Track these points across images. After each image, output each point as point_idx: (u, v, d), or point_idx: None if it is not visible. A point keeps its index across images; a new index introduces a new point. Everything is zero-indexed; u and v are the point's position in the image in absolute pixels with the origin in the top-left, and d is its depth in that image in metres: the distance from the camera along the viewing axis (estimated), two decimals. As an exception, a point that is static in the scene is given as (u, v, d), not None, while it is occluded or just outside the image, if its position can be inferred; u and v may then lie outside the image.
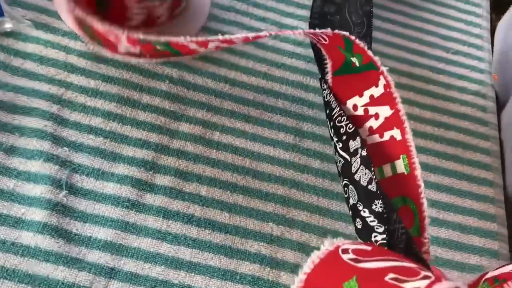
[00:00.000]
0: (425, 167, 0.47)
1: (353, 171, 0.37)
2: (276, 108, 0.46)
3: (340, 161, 0.38)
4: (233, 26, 0.50)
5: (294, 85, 0.48)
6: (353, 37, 0.35)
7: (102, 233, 0.37)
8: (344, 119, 0.38)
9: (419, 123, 0.50)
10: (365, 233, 0.36)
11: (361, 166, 0.36)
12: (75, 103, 0.41)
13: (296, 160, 0.44)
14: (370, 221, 0.35)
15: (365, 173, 0.35)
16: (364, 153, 0.36)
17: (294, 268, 0.39)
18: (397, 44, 0.54)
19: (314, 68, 0.50)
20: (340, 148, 0.38)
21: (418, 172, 0.36)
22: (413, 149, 0.36)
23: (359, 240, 0.37)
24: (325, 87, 0.41)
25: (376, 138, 0.38)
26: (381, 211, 0.34)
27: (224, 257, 0.38)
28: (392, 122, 0.38)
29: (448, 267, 0.42)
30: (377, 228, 0.35)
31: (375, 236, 0.35)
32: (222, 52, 0.48)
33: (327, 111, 0.41)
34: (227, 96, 0.46)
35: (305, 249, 0.40)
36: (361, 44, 0.36)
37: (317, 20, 0.48)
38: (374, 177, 0.35)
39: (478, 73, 0.55)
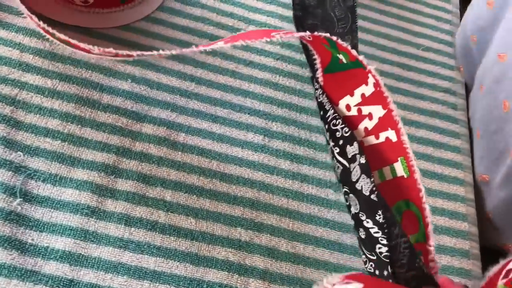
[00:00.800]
0: (396, 166, 0.46)
1: (353, 180, 0.35)
2: (244, 108, 0.45)
3: (338, 167, 0.37)
4: (200, 22, 0.48)
5: (263, 83, 0.47)
6: (334, 38, 0.34)
7: (60, 243, 0.35)
8: (339, 122, 0.37)
9: (390, 122, 0.49)
10: (369, 244, 0.34)
11: (362, 175, 0.34)
12: (30, 104, 0.39)
13: (265, 162, 0.43)
14: (374, 232, 0.34)
15: (367, 182, 0.34)
16: (363, 160, 0.35)
17: (263, 275, 0.38)
18: (367, 40, 0.53)
19: (283, 65, 0.48)
20: (337, 153, 0.37)
21: (417, 175, 0.34)
22: (410, 151, 0.35)
23: (363, 250, 0.35)
24: (317, 86, 0.40)
25: (372, 139, 0.37)
26: (382, 222, 0.33)
27: (190, 265, 0.37)
28: (386, 122, 0.37)
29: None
30: (381, 240, 0.33)
31: (379, 248, 0.33)
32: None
33: (321, 113, 0.39)
34: (193, 95, 0.44)
35: (275, 254, 0.39)
36: (344, 44, 0.34)
37: (299, 11, 0.46)
38: (375, 187, 0.33)
39: (448, 70, 0.55)
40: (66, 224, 0.36)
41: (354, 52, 0.35)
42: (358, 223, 0.35)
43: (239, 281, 0.37)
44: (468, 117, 0.52)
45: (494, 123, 0.46)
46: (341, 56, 0.37)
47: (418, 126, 0.49)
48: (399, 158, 0.35)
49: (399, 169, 0.36)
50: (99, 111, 0.41)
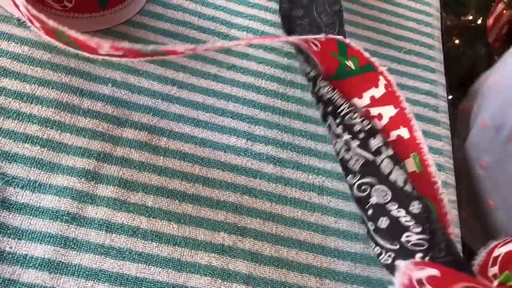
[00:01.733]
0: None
1: (384, 172, 0.35)
2: (226, 111, 0.45)
3: (357, 160, 0.37)
4: (181, 25, 0.48)
5: (245, 87, 0.47)
6: (347, 41, 0.34)
7: (39, 250, 0.34)
8: (357, 115, 0.37)
9: (373, 124, 0.49)
10: (393, 233, 0.34)
11: (396, 166, 0.35)
12: (8, 110, 0.38)
13: (248, 165, 0.43)
14: (406, 221, 0.34)
15: (400, 174, 0.34)
16: (391, 151, 0.35)
17: (246, 279, 0.37)
18: (349, 43, 0.54)
19: (265, 69, 0.48)
20: (357, 145, 0.37)
21: (432, 168, 0.35)
22: (424, 145, 0.36)
23: (372, 239, 0.35)
24: (324, 84, 0.39)
25: None
26: (418, 212, 0.33)
27: (173, 271, 0.36)
28: (398, 121, 0.37)
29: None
30: (413, 228, 0.34)
31: (407, 236, 0.34)
32: (169, 53, 0.46)
33: (329, 109, 0.39)
34: (174, 99, 0.43)
35: (258, 259, 0.39)
36: (356, 47, 0.34)
37: (287, 24, 0.46)
38: (408, 177, 0.34)
39: (430, 72, 0.55)
40: (45, 231, 0.35)
41: (366, 54, 0.35)
42: (381, 213, 0.35)
43: (222, 286, 0.37)
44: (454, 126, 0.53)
45: None
46: (349, 63, 0.37)
47: (400, 129, 0.50)
48: (411, 154, 0.36)
49: (410, 164, 0.36)
50: (79, 116, 0.40)
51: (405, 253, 0.34)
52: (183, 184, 0.40)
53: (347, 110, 0.38)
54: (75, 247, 0.35)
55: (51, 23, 0.32)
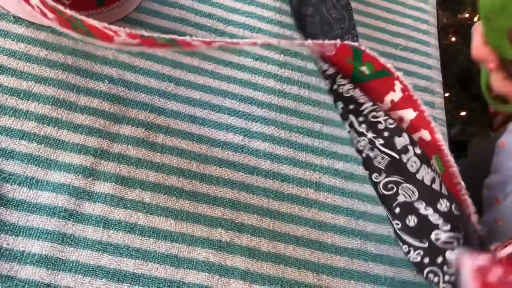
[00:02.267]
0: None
1: (411, 170, 0.36)
2: (223, 108, 0.45)
3: (382, 158, 0.37)
4: (178, 22, 0.48)
5: (242, 83, 0.47)
6: (362, 47, 0.34)
7: (37, 247, 0.34)
8: (381, 114, 0.37)
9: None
10: (422, 231, 0.35)
11: (423, 165, 0.35)
12: (5, 107, 0.38)
13: (245, 162, 0.43)
14: (435, 220, 0.34)
15: (428, 172, 0.35)
16: (418, 150, 0.35)
17: (244, 275, 0.38)
18: (346, 40, 0.54)
19: (262, 66, 0.48)
20: (381, 144, 0.37)
21: (455, 169, 0.35)
22: (445, 147, 0.36)
23: (399, 237, 0.35)
24: (344, 82, 0.39)
25: None
26: (446, 210, 0.34)
27: (170, 267, 0.36)
28: (419, 124, 0.37)
29: (400, 266, 0.42)
30: (442, 226, 0.34)
31: (437, 234, 0.34)
32: (166, 49, 0.46)
33: (350, 107, 0.38)
34: (171, 96, 0.43)
35: (256, 255, 0.39)
36: (371, 53, 0.34)
37: (298, 22, 0.46)
38: (437, 175, 0.34)
39: (426, 69, 0.55)
40: (42, 228, 0.35)
41: (381, 60, 0.35)
42: (408, 211, 0.35)
43: (220, 282, 0.37)
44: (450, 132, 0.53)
45: None
46: (363, 68, 0.37)
47: (397, 125, 0.50)
48: (433, 156, 0.36)
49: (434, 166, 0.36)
50: (76, 113, 0.40)
51: (435, 251, 0.34)
52: (180, 180, 0.40)
53: (371, 108, 0.38)
54: (72, 243, 0.35)
55: (69, 12, 0.32)
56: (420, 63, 0.55)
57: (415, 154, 0.36)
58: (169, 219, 0.38)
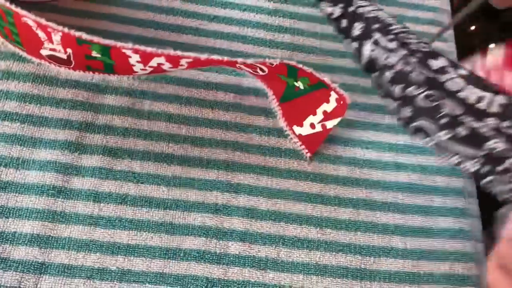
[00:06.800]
0: (379, 109, 0.43)
1: (452, 89, 0.34)
2: (213, 66, 0.42)
3: (421, 72, 0.35)
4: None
5: (230, 37, 0.44)
6: (299, 65, 0.35)
7: (28, 227, 0.34)
8: (413, 37, 0.36)
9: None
10: (474, 140, 0.33)
11: (469, 85, 0.34)
12: (-16, 89, 0.38)
13: (238, 120, 0.41)
14: (484, 132, 0.33)
15: (474, 92, 0.34)
16: (463, 71, 0.35)
17: (243, 236, 0.36)
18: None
19: (250, 16, 0.46)
20: (416, 62, 0.36)
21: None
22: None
23: (447, 148, 0.34)
24: (365, 4, 0.38)
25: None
26: (495, 126, 0.33)
27: (165, 235, 0.35)
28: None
29: (411, 212, 0.40)
30: (495, 137, 0.33)
31: (490, 144, 0.33)
32: (147, 11, 0.44)
33: (375, 26, 0.36)
34: (155, 59, 0.42)
35: (254, 214, 0.37)
36: (307, 69, 0.35)
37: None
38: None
39: (432, -1, 0.51)
40: (32, 207, 0.35)
41: (317, 74, 0.36)
42: (458, 123, 0.34)
43: (218, 246, 0.36)
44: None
45: None
46: (298, 84, 0.38)
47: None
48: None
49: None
50: (57, 88, 0.39)
51: (491, 159, 0.33)
52: (170, 146, 0.39)
53: (401, 29, 0.37)
54: (63, 220, 0.35)
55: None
56: (425, -7, 0.51)
57: (459, 74, 0.34)
58: (161, 186, 0.37)
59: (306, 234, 0.37)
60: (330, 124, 0.38)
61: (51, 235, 0.34)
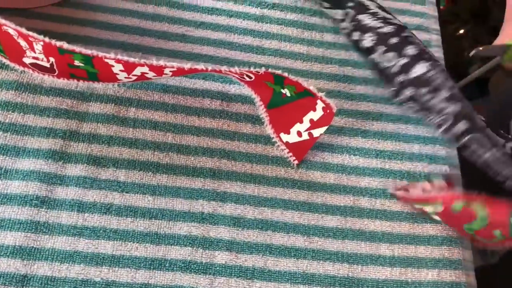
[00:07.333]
0: (367, 116, 0.43)
1: None
2: (198, 73, 0.42)
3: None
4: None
5: (217, 44, 0.44)
6: (285, 74, 0.35)
7: (10, 238, 0.33)
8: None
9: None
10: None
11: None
12: (-34, 97, 0.37)
13: (225, 127, 0.40)
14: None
15: None
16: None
17: (229, 245, 0.36)
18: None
19: (237, 22, 0.45)
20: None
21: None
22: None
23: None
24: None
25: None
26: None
27: (151, 245, 0.35)
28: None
29: (399, 219, 0.39)
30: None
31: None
32: (132, 17, 0.43)
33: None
34: (141, 66, 0.41)
35: (241, 223, 0.37)
36: (294, 78, 0.35)
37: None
38: None
39: (419, 5, 0.51)
40: (15, 218, 0.34)
41: (304, 84, 0.36)
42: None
43: (204, 255, 0.35)
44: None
45: None
46: (284, 91, 0.37)
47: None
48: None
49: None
50: (41, 96, 0.38)
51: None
52: (156, 154, 0.38)
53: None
54: (47, 231, 0.34)
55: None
56: (412, -1, 0.51)
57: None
58: (146, 195, 0.37)
59: (293, 242, 0.37)
60: (316, 132, 0.38)
61: (34, 246, 0.34)
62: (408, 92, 0.39)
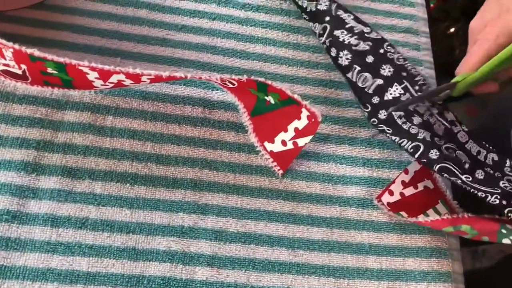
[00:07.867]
0: (354, 122, 0.42)
1: (462, 141, 0.40)
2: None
3: (440, 126, 0.39)
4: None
5: (199, 48, 0.42)
6: (268, 82, 0.35)
7: (-21, 256, 0.32)
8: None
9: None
10: (492, 181, 0.37)
11: (470, 139, 0.40)
12: None
13: (206, 136, 0.39)
14: (497, 175, 0.38)
15: (475, 146, 0.40)
16: (465, 128, 0.41)
17: (211, 261, 0.35)
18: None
19: (220, 25, 0.44)
20: (437, 113, 0.40)
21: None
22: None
23: (474, 188, 0.36)
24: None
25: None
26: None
27: (128, 261, 0.34)
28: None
29: (386, 231, 0.38)
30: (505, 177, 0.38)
31: (504, 183, 0.37)
32: (110, 21, 0.42)
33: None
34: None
35: (223, 237, 0.36)
36: (277, 86, 0.35)
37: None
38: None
39: (408, 7, 0.50)
40: (-16, 235, 0.32)
41: (288, 92, 0.35)
42: (476, 167, 0.38)
43: (184, 271, 0.34)
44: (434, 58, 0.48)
45: None
46: (268, 98, 0.37)
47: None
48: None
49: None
50: (14, 104, 0.37)
51: (507, 194, 0.36)
52: (134, 165, 0.37)
53: (422, 82, 0.40)
54: (18, 247, 0.33)
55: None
56: (401, 1, 0.49)
57: (462, 130, 0.40)
58: (123, 208, 0.35)
59: (277, 256, 0.36)
60: (301, 142, 0.37)
61: (4, 264, 0.32)
62: (382, 115, 0.38)
